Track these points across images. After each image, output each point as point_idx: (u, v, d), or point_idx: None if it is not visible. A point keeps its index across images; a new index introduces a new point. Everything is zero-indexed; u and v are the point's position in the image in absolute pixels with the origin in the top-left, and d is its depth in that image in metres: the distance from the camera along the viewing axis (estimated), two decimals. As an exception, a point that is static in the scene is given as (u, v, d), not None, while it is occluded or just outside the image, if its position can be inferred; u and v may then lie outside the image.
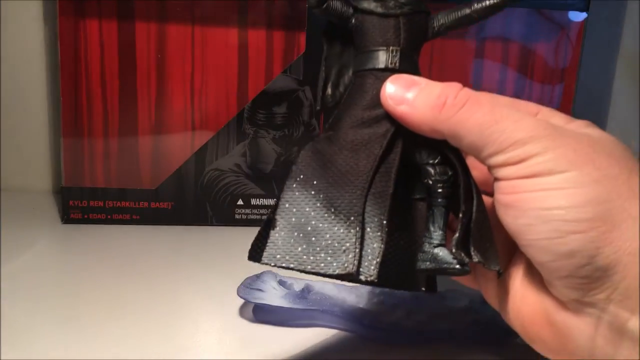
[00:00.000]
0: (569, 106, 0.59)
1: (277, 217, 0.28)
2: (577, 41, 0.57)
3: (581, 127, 0.29)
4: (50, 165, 0.64)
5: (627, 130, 0.67)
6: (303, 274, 0.42)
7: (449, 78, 0.56)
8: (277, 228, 0.28)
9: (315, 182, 0.28)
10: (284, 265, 0.27)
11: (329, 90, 0.32)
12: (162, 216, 0.56)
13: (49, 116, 0.63)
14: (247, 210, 0.57)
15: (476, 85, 0.58)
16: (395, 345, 0.39)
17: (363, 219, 0.27)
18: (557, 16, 0.57)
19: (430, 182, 0.29)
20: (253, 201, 0.57)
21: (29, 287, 0.43)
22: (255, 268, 0.42)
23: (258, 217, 0.58)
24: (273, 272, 0.43)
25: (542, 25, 0.57)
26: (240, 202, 0.57)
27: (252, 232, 0.54)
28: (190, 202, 0.57)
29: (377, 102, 0.29)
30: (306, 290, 0.41)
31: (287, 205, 0.28)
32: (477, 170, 0.30)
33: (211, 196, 0.57)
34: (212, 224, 0.57)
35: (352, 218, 0.27)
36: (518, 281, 0.30)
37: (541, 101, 0.58)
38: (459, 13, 0.30)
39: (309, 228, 0.28)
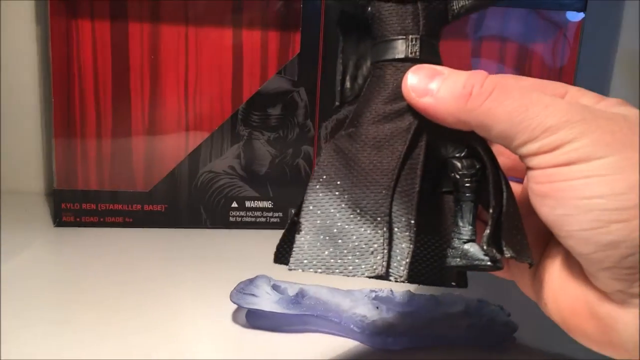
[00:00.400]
0: None
1: (302, 219, 0.27)
2: (575, 41, 0.57)
3: (614, 106, 0.28)
4: (43, 167, 0.64)
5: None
6: (297, 279, 0.42)
7: None
8: (303, 232, 0.27)
9: (339, 182, 0.28)
10: (311, 270, 0.27)
11: (348, 84, 0.31)
12: (156, 219, 0.56)
13: (42, 117, 0.63)
14: (242, 213, 0.57)
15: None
16: (390, 351, 0.38)
17: (390, 219, 0.27)
18: (554, 16, 0.57)
19: (458, 176, 0.28)
20: (247, 203, 0.57)
21: (20, 292, 0.43)
22: (249, 272, 0.43)
23: (252, 219, 0.57)
24: (267, 277, 0.42)
25: (539, 25, 0.57)
26: (234, 204, 0.57)
27: (247, 235, 0.55)
28: (184, 204, 0.56)
29: (398, 94, 0.28)
30: (300, 295, 0.40)
31: (311, 208, 0.27)
32: (504, 156, 0.29)
33: (205, 198, 0.56)
34: (206, 227, 0.57)
35: (378, 219, 0.27)
36: (555, 272, 0.29)
37: None
38: None
39: (335, 230, 0.27)
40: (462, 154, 0.28)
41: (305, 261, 0.27)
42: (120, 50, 0.52)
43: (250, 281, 0.41)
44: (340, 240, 0.27)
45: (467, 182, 0.28)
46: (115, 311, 0.41)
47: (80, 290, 0.44)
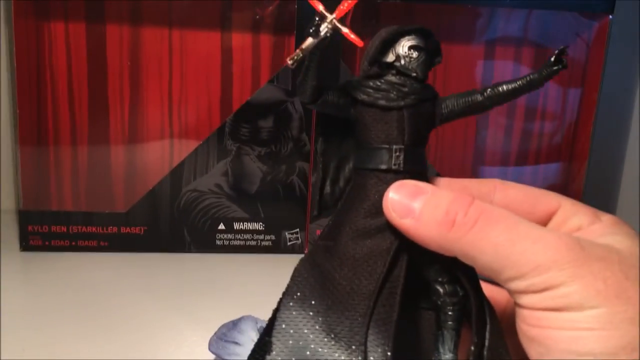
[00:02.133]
0: (592, 112, 0.56)
1: (274, 339, 0.26)
2: (601, 44, 0.54)
3: (608, 233, 0.27)
4: (13, 183, 0.59)
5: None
6: None
7: (456, 80, 0.53)
8: (274, 352, 0.26)
9: (313, 302, 0.27)
10: None
11: (328, 188, 0.30)
12: (134, 242, 0.53)
13: (12, 128, 0.58)
14: (230, 236, 0.54)
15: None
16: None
17: (365, 348, 0.26)
18: (580, 18, 0.54)
19: (439, 302, 0.27)
20: (236, 225, 0.54)
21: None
22: (235, 307, 0.40)
23: (242, 242, 0.54)
24: (253, 318, 0.38)
25: (563, 27, 0.54)
26: (221, 226, 0.54)
27: (235, 260, 0.51)
28: (165, 226, 0.53)
29: (379, 208, 0.27)
30: (291, 342, 0.35)
31: (283, 326, 0.27)
32: None
33: (189, 220, 0.53)
34: (189, 251, 0.54)
35: (353, 347, 0.26)
36: None
37: (558, 105, 0.55)
38: (470, 99, 0.28)
39: (308, 352, 0.26)
40: (445, 279, 0.27)
41: None
42: (97, 55, 0.50)
43: (234, 324, 0.37)
44: None
45: (450, 309, 0.27)
46: (84, 348, 0.38)
47: (48, 322, 0.41)
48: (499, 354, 0.27)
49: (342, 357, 0.26)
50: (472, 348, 0.27)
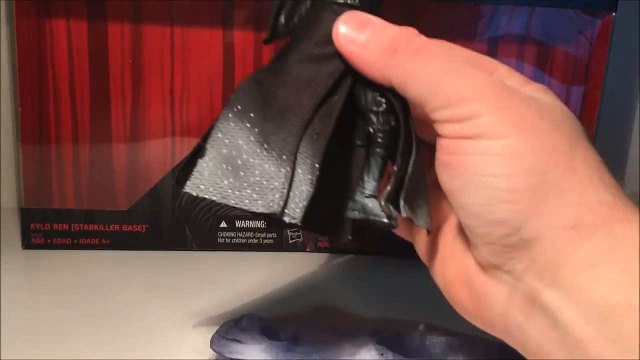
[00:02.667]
0: (595, 110, 0.55)
1: (208, 145, 0.28)
2: (604, 42, 0.53)
3: (535, 92, 0.29)
4: (15, 180, 0.59)
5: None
6: (290, 319, 0.40)
7: None
8: (206, 157, 0.28)
9: (252, 115, 0.28)
10: (206, 196, 0.27)
11: (282, 19, 0.31)
12: (136, 240, 0.52)
13: (15, 125, 0.58)
14: (232, 234, 0.53)
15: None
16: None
17: (295, 159, 0.27)
18: (583, 15, 0.53)
19: (372, 130, 0.29)
20: (238, 223, 0.53)
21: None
22: (237, 304, 0.39)
23: (243, 240, 0.53)
24: (255, 316, 0.38)
25: (566, 25, 0.53)
26: (223, 224, 0.53)
27: (237, 258, 0.51)
28: (166, 224, 0.53)
29: (329, 38, 0.28)
30: (293, 340, 0.35)
31: (219, 135, 0.28)
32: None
33: (191, 218, 0.53)
34: (191, 249, 0.53)
35: (284, 157, 0.27)
36: (448, 241, 0.31)
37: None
38: None
39: (239, 162, 0.27)
40: (380, 109, 0.29)
41: (202, 186, 0.27)
42: (99, 53, 0.49)
43: (236, 322, 0.37)
44: (242, 173, 0.27)
45: (380, 137, 0.29)
46: (86, 347, 0.38)
47: (50, 320, 0.41)
48: (418, 187, 0.29)
49: (272, 168, 0.27)
50: (395, 169, 0.28)
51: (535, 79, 0.55)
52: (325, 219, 0.30)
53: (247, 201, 0.27)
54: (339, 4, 0.29)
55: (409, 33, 0.28)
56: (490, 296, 0.28)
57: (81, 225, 0.51)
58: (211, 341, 0.35)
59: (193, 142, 0.50)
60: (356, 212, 0.29)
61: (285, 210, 0.27)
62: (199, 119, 0.51)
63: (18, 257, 0.50)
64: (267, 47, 0.50)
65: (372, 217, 0.28)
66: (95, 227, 0.51)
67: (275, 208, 0.27)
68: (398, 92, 0.28)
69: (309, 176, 0.27)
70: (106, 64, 0.49)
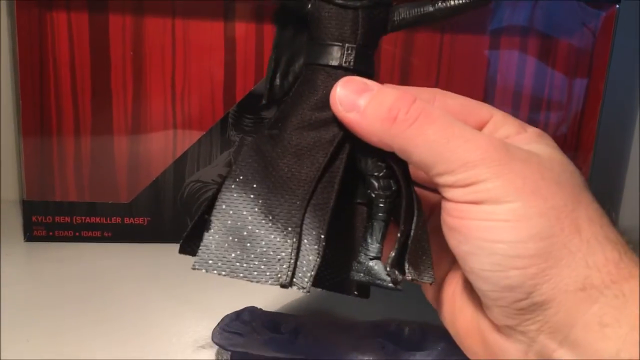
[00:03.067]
0: (598, 102, 0.55)
1: (213, 218, 0.28)
2: (608, 34, 0.53)
3: (533, 141, 0.29)
4: (17, 173, 0.59)
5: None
6: (291, 307, 0.40)
7: (461, 70, 0.52)
8: (212, 230, 0.28)
9: (255, 186, 0.28)
10: (215, 272, 0.27)
11: (277, 81, 0.31)
12: (137, 233, 0.52)
13: (16, 118, 0.58)
14: None
15: (492, 77, 0.53)
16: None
17: (301, 230, 0.27)
18: (586, 7, 0.53)
19: (373, 195, 0.29)
20: None
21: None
22: (238, 297, 0.39)
23: None
24: (256, 309, 0.38)
25: (569, 17, 0.53)
26: None
27: None
28: (168, 217, 0.52)
29: (326, 102, 0.28)
30: (294, 333, 0.35)
31: (224, 207, 0.28)
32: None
33: (192, 211, 0.52)
34: None
35: (289, 228, 0.27)
36: (458, 292, 0.31)
37: (564, 95, 0.55)
38: (422, 10, 0.29)
39: (245, 233, 0.27)
40: (381, 174, 0.29)
41: (210, 262, 0.28)
42: (100, 45, 0.49)
43: (237, 315, 0.36)
44: (248, 244, 0.27)
45: (382, 202, 0.29)
46: (88, 339, 0.38)
47: (52, 312, 0.41)
48: (421, 246, 0.29)
49: (278, 239, 0.27)
50: (399, 235, 0.28)
51: (538, 71, 0.55)
52: (332, 277, 0.31)
53: (255, 273, 0.27)
54: (333, 66, 0.29)
55: (406, 99, 0.28)
56: (506, 353, 0.28)
57: (83, 217, 0.51)
58: (213, 334, 0.35)
59: (194, 134, 0.51)
60: (361, 275, 0.29)
61: (294, 280, 0.27)
62: (200, 111, 0.51)
63: (20, 250, 0.50)
64: (268, 41, 0.50)
65: (378, 281, 0.28)
66: (97, 219, 0.51)
67: (284, 279, 0.27)
68: (398, 157, 0.28)
69: (315, 246, 0.27)
70: (107, 56, 0.49)
